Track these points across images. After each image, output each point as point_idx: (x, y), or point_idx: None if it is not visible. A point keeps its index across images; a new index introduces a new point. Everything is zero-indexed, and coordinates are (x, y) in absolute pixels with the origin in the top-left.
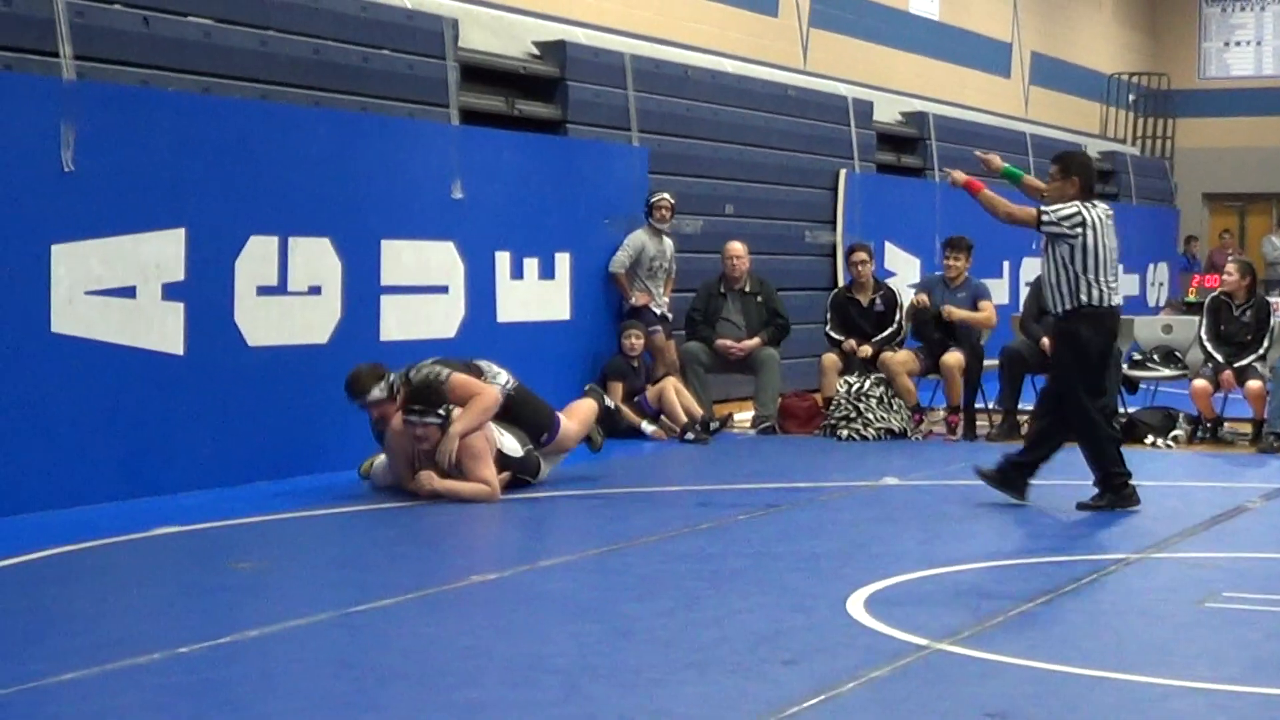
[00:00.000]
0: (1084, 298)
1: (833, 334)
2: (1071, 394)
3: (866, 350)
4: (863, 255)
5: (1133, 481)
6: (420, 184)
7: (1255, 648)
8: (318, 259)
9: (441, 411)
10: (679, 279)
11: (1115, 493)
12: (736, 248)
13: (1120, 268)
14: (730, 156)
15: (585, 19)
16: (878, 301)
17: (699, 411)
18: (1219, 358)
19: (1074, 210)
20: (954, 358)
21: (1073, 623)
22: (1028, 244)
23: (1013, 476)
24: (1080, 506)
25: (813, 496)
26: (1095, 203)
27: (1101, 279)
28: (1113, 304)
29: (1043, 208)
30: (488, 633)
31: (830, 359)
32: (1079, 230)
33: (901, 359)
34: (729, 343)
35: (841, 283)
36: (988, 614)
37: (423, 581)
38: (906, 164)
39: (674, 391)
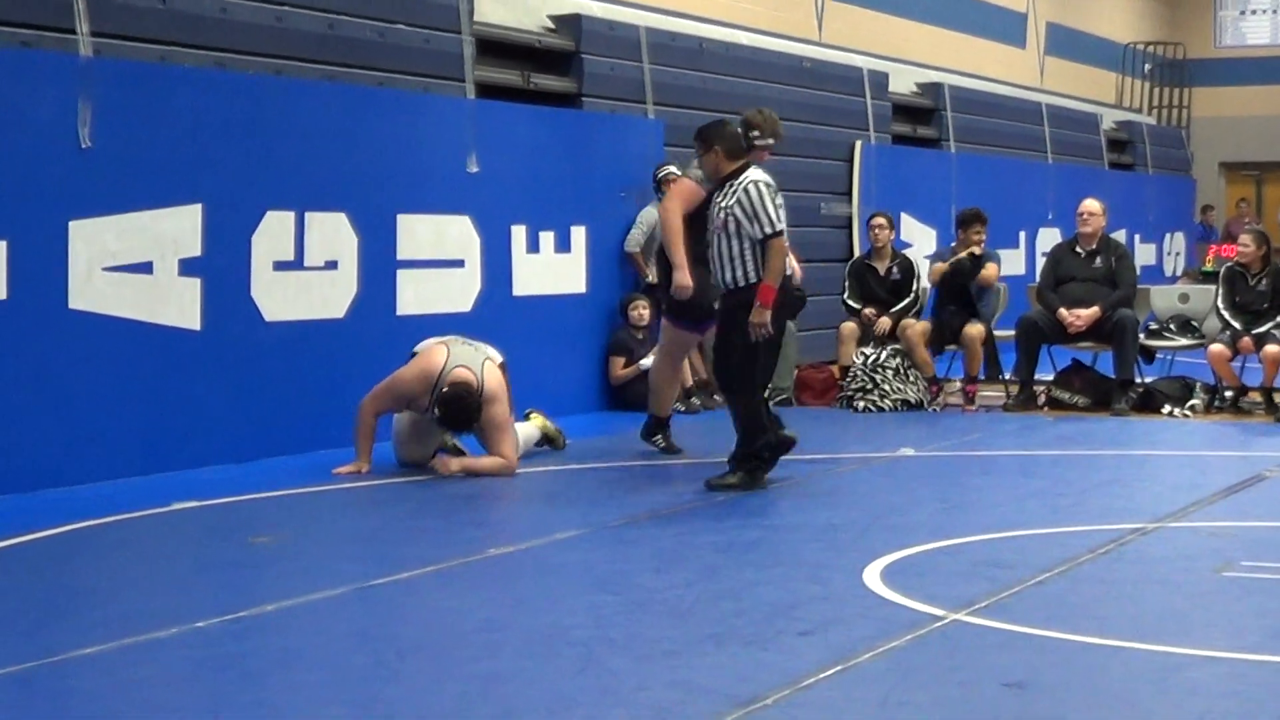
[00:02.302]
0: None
1: (850, 302)
2: (745, 366)
3: (886, 323)
4: (881, 221)
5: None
6: (436, 158)
7: (1273, 616)
8: (334, 234)
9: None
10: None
11: (749, 473)
12: None
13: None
14: None
15: None
16: (895, 270)
17: (703, 378)
18: (1237, 325)
19: (753, 194)
20: (975, 329)
21: (1090, 592)
22: (1044, 214)
23: (770, 454)
24: (708, 485)
25: (829, 468)
26: (753, 168)
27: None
28: (789, 272)
29: (766, 231)
30: (505, 605)
31: (849, 327)
32: (767, 204)
33: (920, 329)
34: None
35: (858, 253)
36: (1005, 584)
37: (441, 555)
38: (922, 135)
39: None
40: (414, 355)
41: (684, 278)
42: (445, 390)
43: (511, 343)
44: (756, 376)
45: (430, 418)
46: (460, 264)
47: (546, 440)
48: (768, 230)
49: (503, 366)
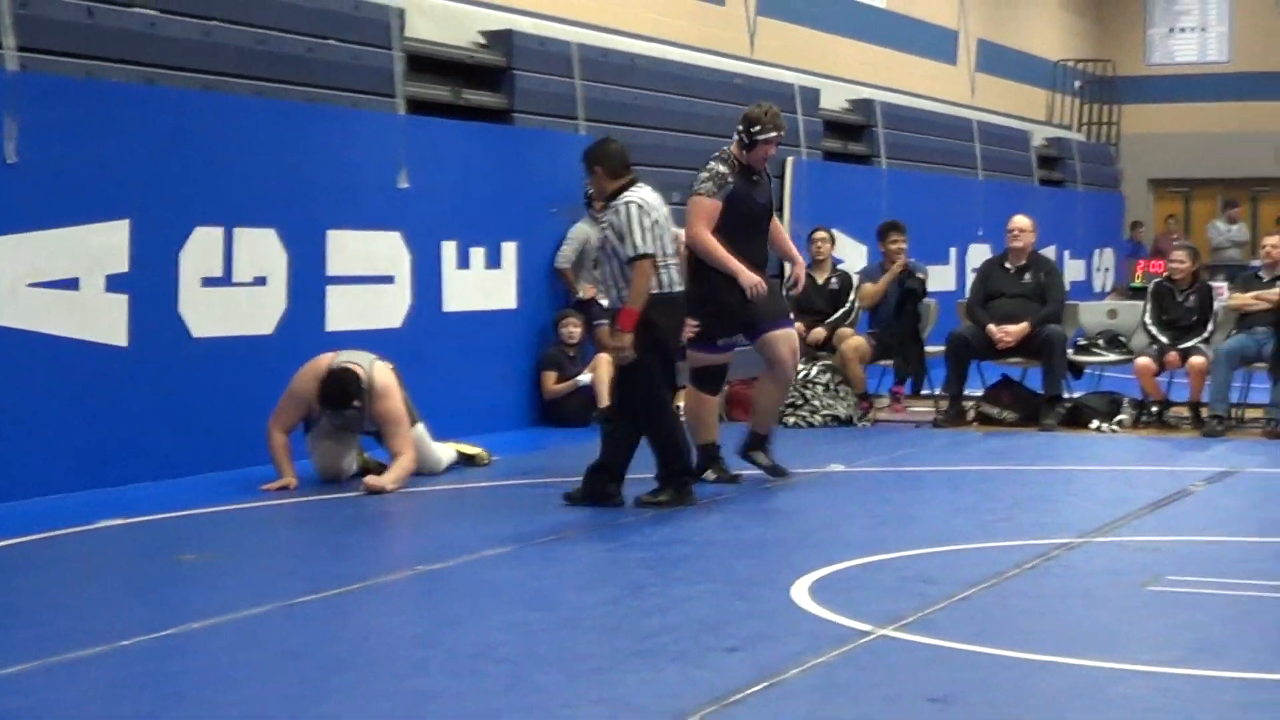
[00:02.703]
0: (653, 284)
1: None
2: (646, 383)
3: (820, 333)
4: (824, 235)
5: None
6: (366, 174)
7: (1199, 630)
8: (263, 250)
9: (356, 403)
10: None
11: (677, 489)
12: (681, 233)
13: (670, 247)
14: (678, 145)
15: (531, 8)
16: (833, 280)
17: None
18: (1164, 340)
19: (623, 214)
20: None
21: (1017, 607)
22: (974, 230)
23: (599, 487)
24: (639, 503)
25: (759, 484)
26: (641, 185)
27: (668, 262)
28: (676, 289)
29: (630, 253)
30: (434, 622)
31: None
32: (634, 225)
33: (855, 345)
34: None
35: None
36: (932, 599)
37: (369, 571)
38: (854, 151)
39: (605, 371)
40: None
41: (751, 275)
42: (326, 375)
43: (442, 359)
44: (656, 393)
45: (325, 416)
46: (390, 280)
47: (467, 460)
48: (631, 252)
49: (395, 371)
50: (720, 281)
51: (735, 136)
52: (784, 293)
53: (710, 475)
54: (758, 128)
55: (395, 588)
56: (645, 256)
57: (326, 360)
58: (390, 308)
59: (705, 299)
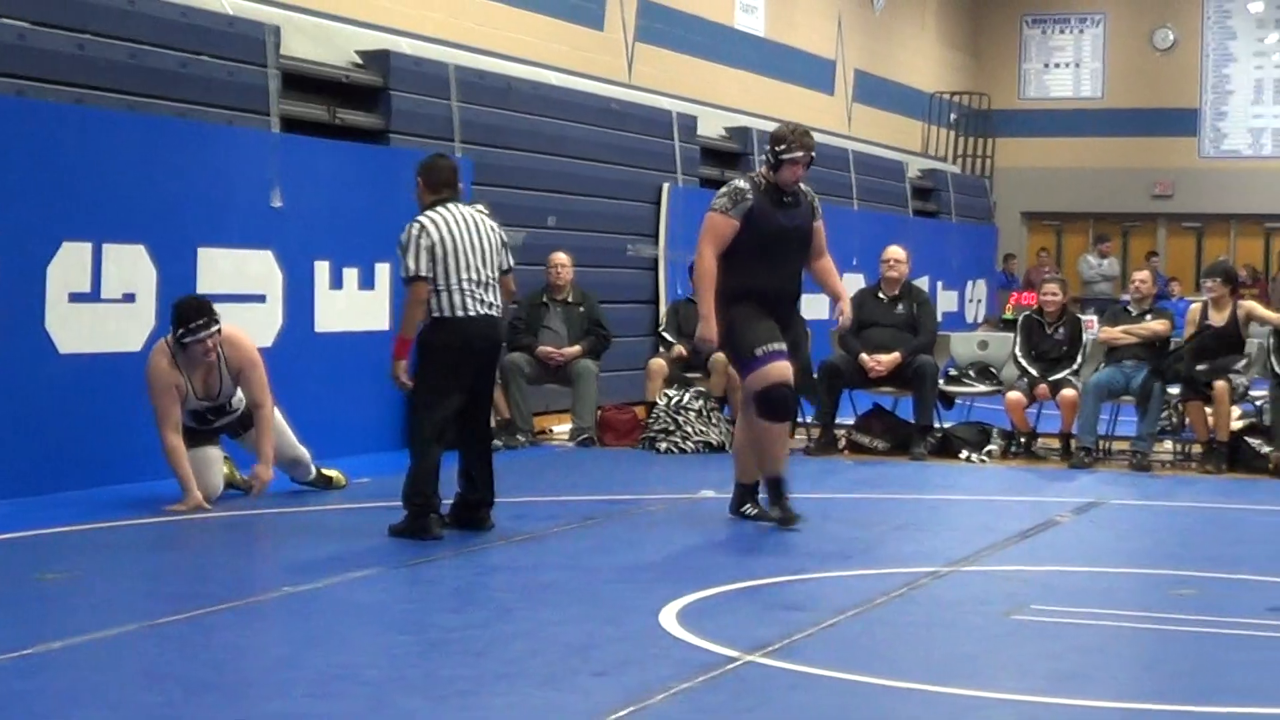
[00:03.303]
0: (433, 308)
1: (666, 335)
2: (419, 411)
3: (680, 351)
4: None
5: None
6: (239, 192)
7: (1061, 659)
8: (132, 266)
9: (215, 324)
10: None
11: (413, 519)
12: (561, 257)
13: (482, 270)
14: (554, 169)
15: (409, 28)
16: None
17: (505, 416)
18: (1033, 373)
19: (406, 233)
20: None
21: (882, 635)
22: (849, 260)
23: (462, 516)
24: (392, 531)
25: (630, 509)
26: (451, 204)
27: (454, 285)
28: (470, 313)
29: (403, 274)
30: (299, 644)
31: (657, 364)
32: (410, 247)
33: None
34: (550, 349)
35: (664, 295)
36: (799, 626)
37: (234, 592)
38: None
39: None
40: None
41: (709, 329)
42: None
43: (312, 379)
44: (422, 423)
45: (194, 373)
46: (261, 299)
47: (325, 482)
48: (404, 273)
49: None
50: (739, 295)
51: (764, 157)
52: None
53: (774, 513)
54: (783, 146)
55: (261, 609)
56: (416, 279)
57: (160, 342)
58: (261, 327)
59: (729, 313)
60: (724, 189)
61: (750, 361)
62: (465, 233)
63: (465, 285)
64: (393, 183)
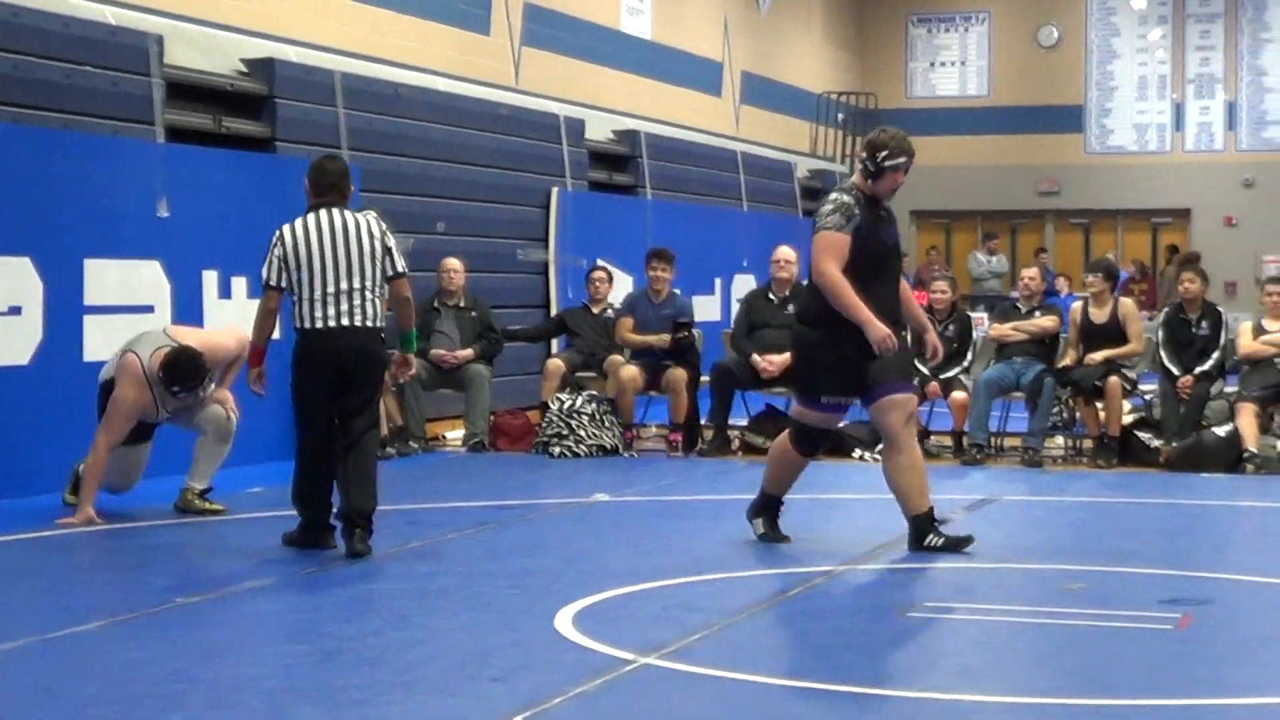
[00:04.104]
0: (294, 320)
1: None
2: (295, 418)
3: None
4: (602, 274)
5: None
6: (125, 202)
7: (955, 656)
8: (17, 279)
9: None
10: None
11: (302, 530)
12: (453, 263)
13: (347, 280)
14: (442, 174)
15: (294, 36)
16: (609, 311)
17: (398, 423)
18: (924, 371)
19: (270, 253)
20: (680, 373)
21: (777, 635)
22: (739, 261)
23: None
24: (285, 540)
25: (524, 514)
26: (330, 210)
27: (307, 296)
28: (319, 325)
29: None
30: (192, 656)
31: (555, 364)
32: (268, 255)
33: (629, 374)
34: (443, 352)
35: (554, 300)
36: (694, 628)
37: (127, 605)
38: (619, 182)
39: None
40: (105, 382)
41: (881, 329)
42: (161, 366)
43: None
44: (300, 438)
45: (168, 405)
46: (150, 309)
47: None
48: (262, 280)
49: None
50: (842, 329)
51: (859, 166)
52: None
53: (759, 529)
54: (884, 153)
55: (154, 622)
56: (265, 287)
57: (133, 361)
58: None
59: (821, 346)
60: (830, 205)
61: (812, 401)
62: (329, 242)
63: (320, 296)
64: (280, 191)
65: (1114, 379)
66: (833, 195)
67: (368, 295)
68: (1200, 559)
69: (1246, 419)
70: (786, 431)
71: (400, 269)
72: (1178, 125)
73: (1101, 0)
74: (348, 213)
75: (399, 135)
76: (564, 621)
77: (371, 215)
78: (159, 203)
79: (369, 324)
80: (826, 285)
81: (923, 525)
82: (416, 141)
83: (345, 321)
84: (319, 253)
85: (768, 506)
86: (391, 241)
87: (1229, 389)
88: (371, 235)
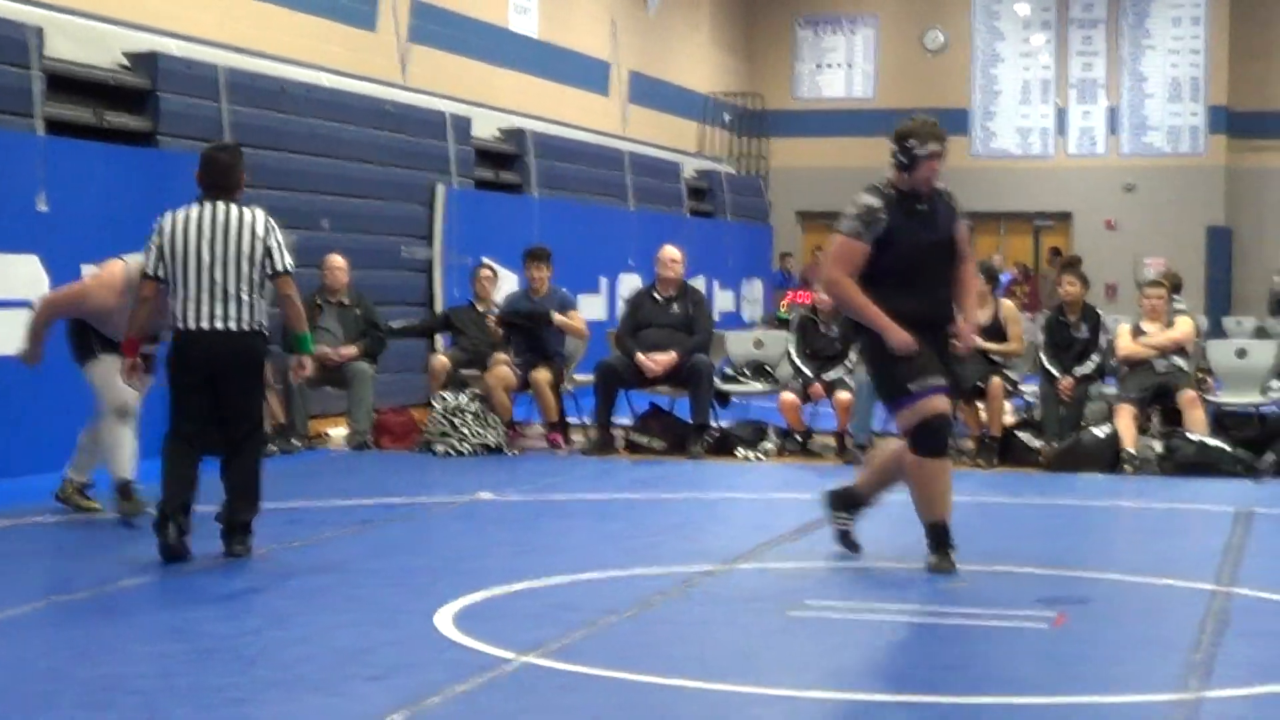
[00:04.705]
0: (170, 318)
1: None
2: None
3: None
4: (487, 272)
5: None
6: (2, 196)
7: (836, 654)
8: None
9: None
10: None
11: (157, 528)
12: (336, 260)
13: (222, 280)
14: (327, 171)
15: (178, 29)
16: (494, 308)
17: (280, 421)
18: (808, 372)
19: (149, 241)
20: (543, 374)
21: (658, 633)
22: (625, 260)
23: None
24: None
25: (406, 513)
26: (215, 204)
27: (179, 294)
28: (192, 327)
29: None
30: (67, 655)
31: (440, 361)
32: (150, 247)
33: (500, 375)
34: (326, 350)
35: (439, 298)
36: (575, 626)
37: None
38: (505, 180)
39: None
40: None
41: (900, 334)
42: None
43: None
44: (167, 436)
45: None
46: (28, 304)
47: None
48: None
49: None
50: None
51: (892, 160)
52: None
53: (931, 560)
54: (914, 141)
55: (26, 619)
56: (143, 277)
57: (117, 266)
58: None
59: (878, 346)
60: (852, 209)
61: (903, 399)
62: (208, 236)
63: (195, 294)
64: (162, 186)
65: (996, 380)
66: (859, 196)
67: (244, 296)
68: (1078, 558)
69: (1125, 420)
70: (902, 445)
71: (281, 267)
72: (1060, 130)
73: (986, 5)
74: (235, 207)
75: (284, 131)
76: (444, 620)
77: (259, 212)
78: (38, 197)
79: (244, 327)
80: (835, 295)
81: (938, 537)
82: (301, 137)
83: (219, 325)
84: (195, 247)
85: (856, 505)
86: (275, 240)
87: (1108, 390)
88: (254, 234)
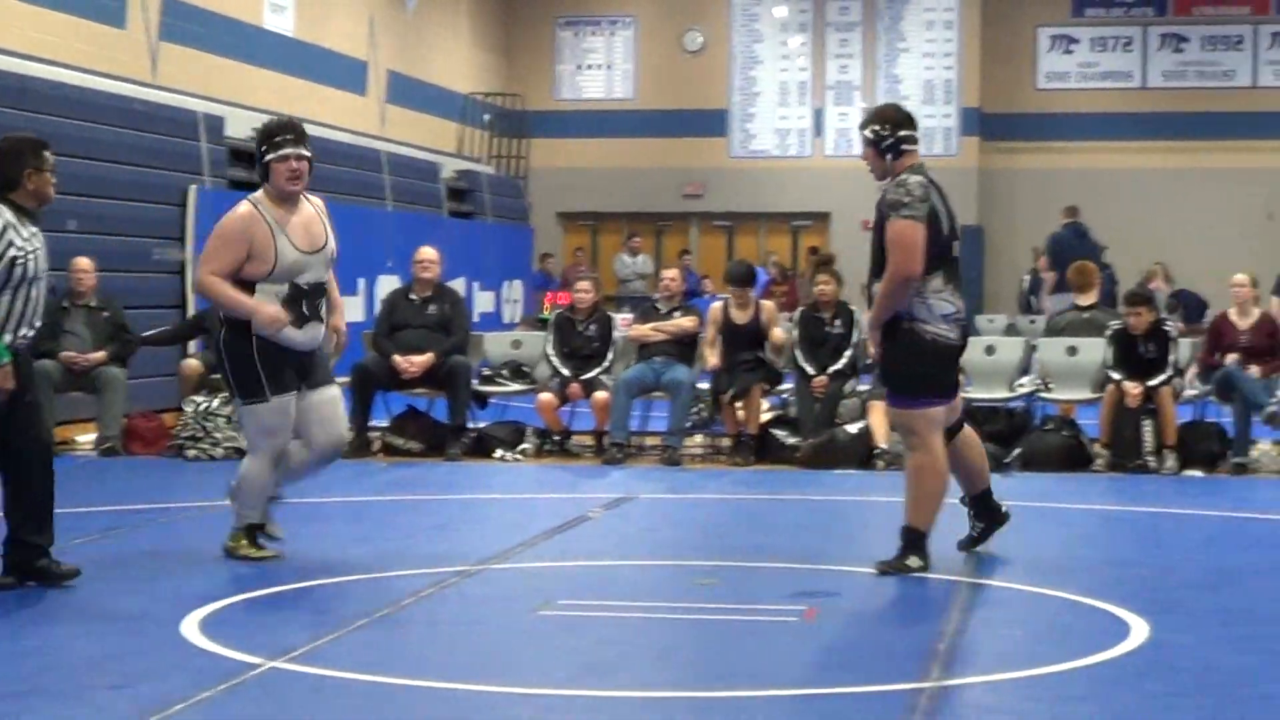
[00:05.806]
0: None
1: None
2: None
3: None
4: None
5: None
6: None
7: (585, 652)
8: None
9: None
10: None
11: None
12: (83, 262)
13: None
14: (74, 171)
15: None
16: None
17: None
18: (565, 372)
19: None
20: None
21: (410, 635)
22: (383, 261)
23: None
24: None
25: (154, 518)
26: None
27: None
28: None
29: None
30: None
31: (191, 365)
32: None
33: (190, 367)
34: (74, 354)
35: (190, 300)
36: (324, 630)
37: None
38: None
39: None
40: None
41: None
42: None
43: None
44: None
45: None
46: None
47: None
48: None
49: None
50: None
51: (877, 144)
52: None
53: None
54: (904, 133)
55: None
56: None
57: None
58: None
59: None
60: (900, 191)
61: (931, 399)
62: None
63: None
64: None
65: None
66: (900, 178)
67: None
68: (830, 553)
69: (877, 416)
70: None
71: None
72: (818, 131)
73: (745, 7)
74: None
75: (27, 129)
76: (191, 627)
77: None
78: None
79: None
80: (895, 285)
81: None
82: (46, 136)
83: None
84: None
85: (983, 501)
86: None
87: (862, 387)
88: None
